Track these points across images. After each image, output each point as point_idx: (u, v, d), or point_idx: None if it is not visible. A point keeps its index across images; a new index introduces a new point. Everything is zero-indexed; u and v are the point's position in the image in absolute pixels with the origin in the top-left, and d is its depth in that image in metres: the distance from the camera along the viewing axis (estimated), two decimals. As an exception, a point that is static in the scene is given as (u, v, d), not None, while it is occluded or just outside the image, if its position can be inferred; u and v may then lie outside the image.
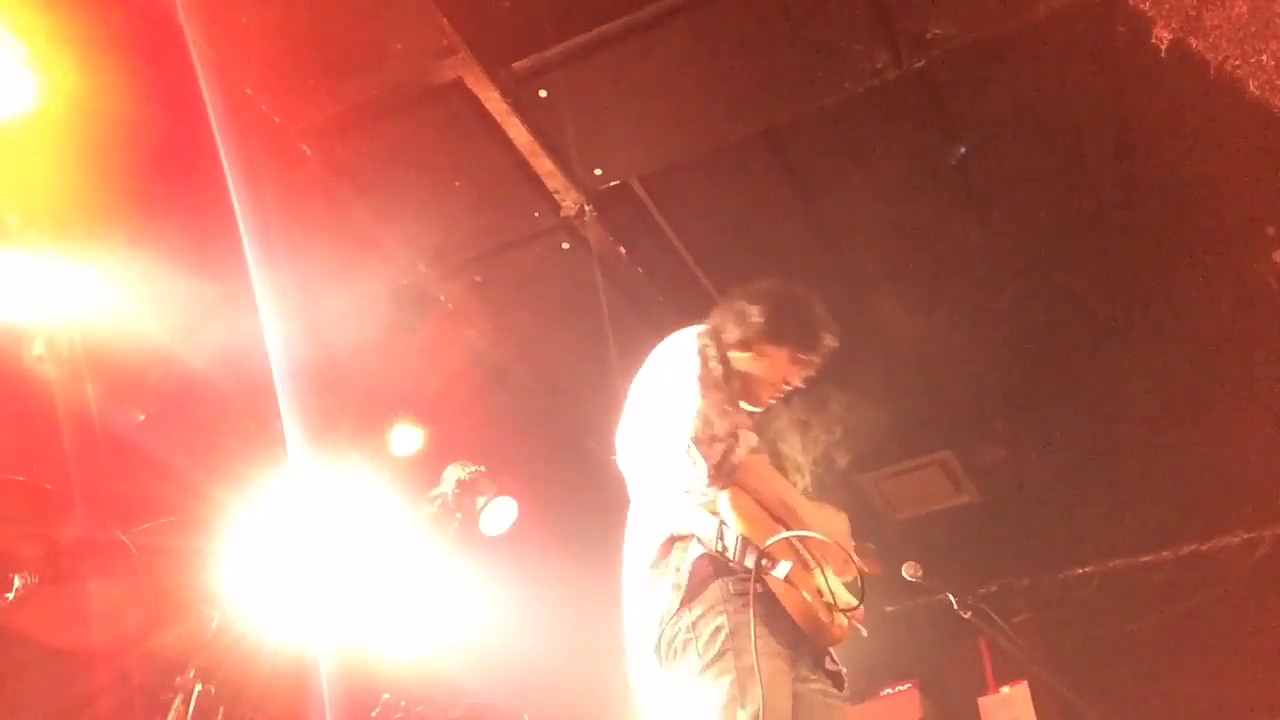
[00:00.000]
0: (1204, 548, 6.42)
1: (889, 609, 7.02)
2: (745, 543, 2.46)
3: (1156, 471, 5.90)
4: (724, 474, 2.52)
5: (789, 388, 3.07)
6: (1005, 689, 5.83)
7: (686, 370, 2.70)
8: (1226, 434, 5.61)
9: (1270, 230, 4.58)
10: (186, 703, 3.74)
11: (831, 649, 2.68)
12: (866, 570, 2.92)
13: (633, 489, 2.88)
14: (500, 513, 5.34)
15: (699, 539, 2.53)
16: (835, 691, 2.64)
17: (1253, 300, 4.89)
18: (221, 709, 3.90)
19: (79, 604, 3.82)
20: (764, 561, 2.43)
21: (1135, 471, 5.95)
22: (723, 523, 2.51)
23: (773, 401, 3.07)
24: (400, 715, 4.25)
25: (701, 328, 2.92)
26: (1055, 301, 5.14)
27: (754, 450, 2.62)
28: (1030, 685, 5.69)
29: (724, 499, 2.54)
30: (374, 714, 4.26)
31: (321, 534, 4.39)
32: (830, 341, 3.05)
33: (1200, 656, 5.96)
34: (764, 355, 2.96)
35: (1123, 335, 5.29)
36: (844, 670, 2.71)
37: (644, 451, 2.80)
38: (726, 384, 2.71)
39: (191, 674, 3.82)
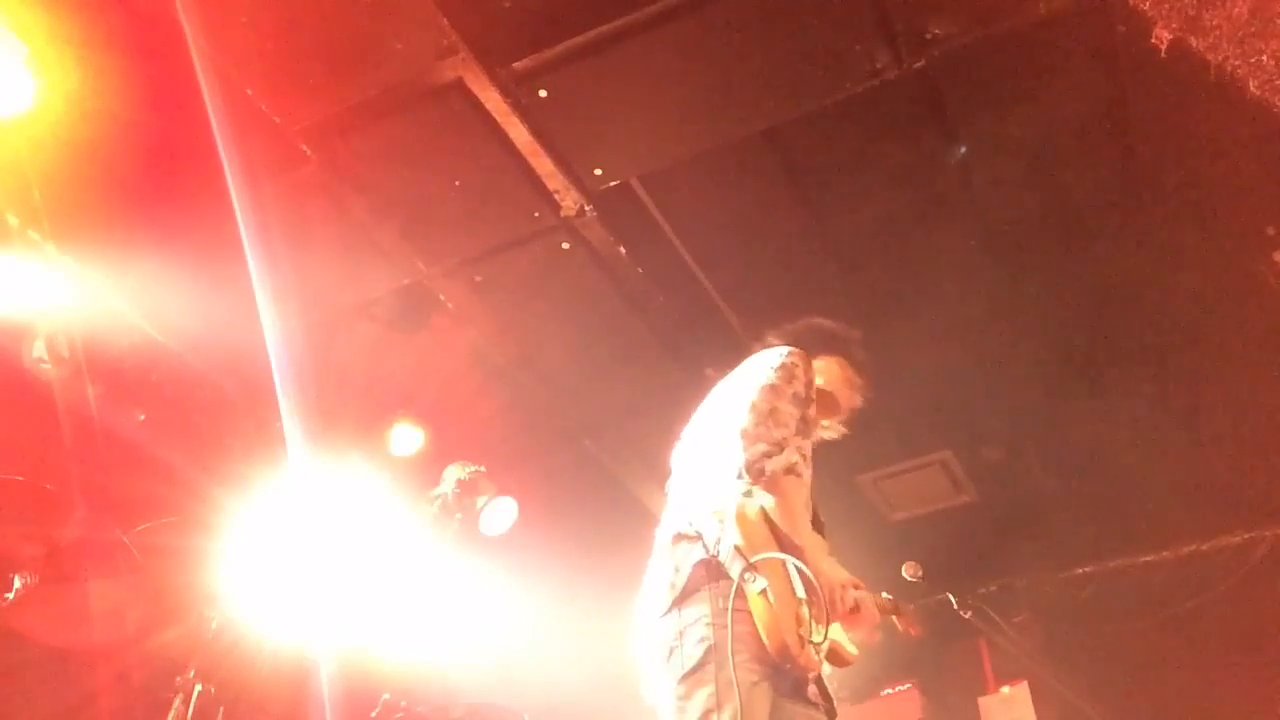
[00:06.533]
0: (1204, 548, 6.43)
1: (889, 609, 7.02)
2: (736, 552, 2.48)
3: (1156, 471, 5.89)
4: (754, 474, 2.55)
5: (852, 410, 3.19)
6: (1005, 689, 5.84)
7: (762, 378, 2.75)
8: (1226, 434, 5.61)
9: (1270, 230, 4.57)
10: (186, 703, 3.74)
11: (815, 683, 2.63)
12: (913, 632, 2.98)
13: (668, 508, 2.85)
14: (500, 513, 5.33)
15: (703, 541, 2.55)
16: (820, 717, 2.61)
17: (1253, 300, 4.88)
18: (221, 709, 3.89)
19: (79, 604, 3.82)
20: (747, 575, 2.45)
21: (1135, 472, 5.95)
22: (723, 524, 2.53)
23: (842, 421, 3.16)
24: (400, 715, 4.24)
25: (789, 348, 2.92)
26: (1055, 301, 5.14)
27: (790, 470, 2.59)
28: (1030, 685, 5.70)
29: (737, 508, 2.54)
30: (374, 714, 4.25)
31: (321, 534, 4.39)
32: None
33: (1200, 656, 5.96)
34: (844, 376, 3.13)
35: (1122, 335, 5.29)
36: (827, 704, 2.67)
37: (701, 448, 2.82)
38: (801, 405, 2.73)
39: (191, 674, 3.81)
